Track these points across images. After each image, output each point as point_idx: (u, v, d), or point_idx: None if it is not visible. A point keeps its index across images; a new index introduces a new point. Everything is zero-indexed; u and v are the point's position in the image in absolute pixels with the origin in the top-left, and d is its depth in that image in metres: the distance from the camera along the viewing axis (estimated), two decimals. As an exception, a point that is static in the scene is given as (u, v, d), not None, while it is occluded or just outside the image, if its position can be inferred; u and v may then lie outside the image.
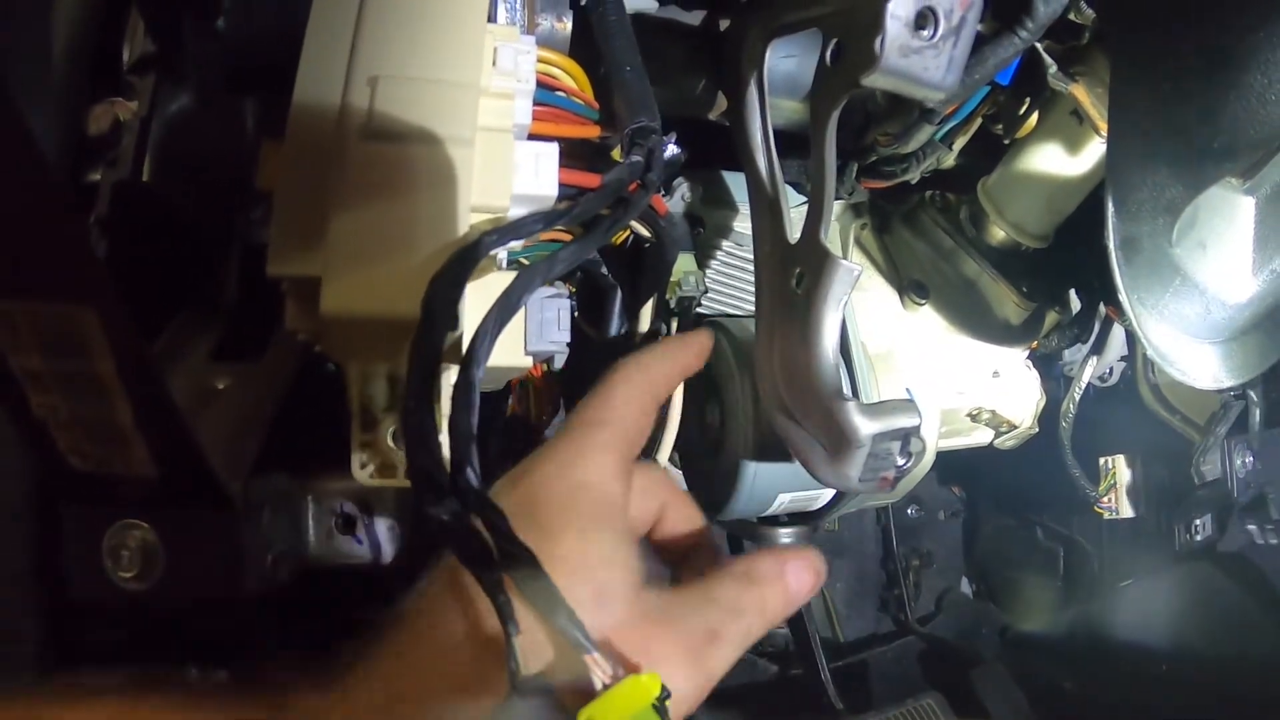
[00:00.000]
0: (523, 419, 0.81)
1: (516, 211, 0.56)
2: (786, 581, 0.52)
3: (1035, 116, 0.82)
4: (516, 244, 0.56)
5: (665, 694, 0.39)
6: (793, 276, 0.64)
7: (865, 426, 0.59)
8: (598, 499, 0.49)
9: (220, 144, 0.77)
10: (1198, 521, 1.12)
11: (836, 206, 0.93)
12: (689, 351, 0.62)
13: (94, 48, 0.75)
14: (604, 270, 0.77)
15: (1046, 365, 1.09)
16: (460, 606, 0.44)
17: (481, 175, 0.54)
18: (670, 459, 0.84)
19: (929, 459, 0.88)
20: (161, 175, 0.76)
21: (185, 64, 0.77)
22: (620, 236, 0.78)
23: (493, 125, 0.57)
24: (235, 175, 0.72)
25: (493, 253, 0.57)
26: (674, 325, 0.80)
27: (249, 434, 0.74)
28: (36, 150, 0.44)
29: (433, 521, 0.40)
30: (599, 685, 0.39)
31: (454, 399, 0.43)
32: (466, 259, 0.46)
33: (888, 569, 1.49)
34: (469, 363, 0.45)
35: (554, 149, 0.58)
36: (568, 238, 0.77)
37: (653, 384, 0.57)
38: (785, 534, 0.99)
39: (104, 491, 0.64)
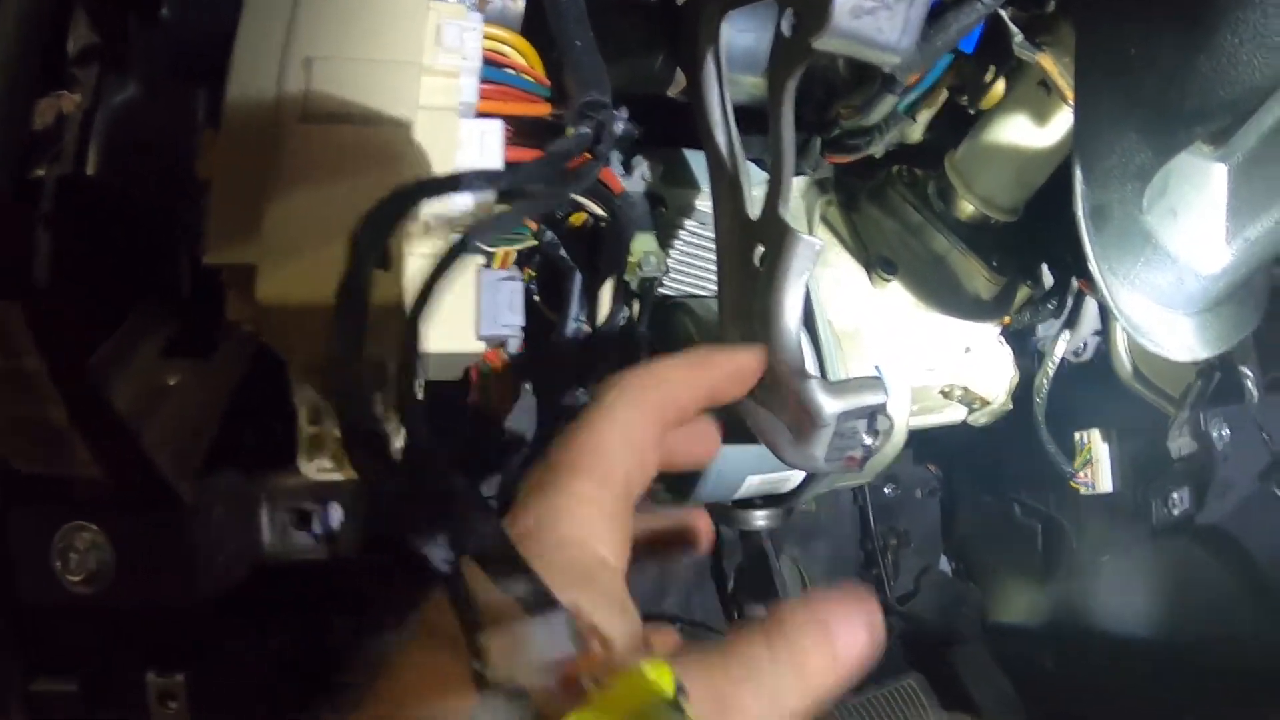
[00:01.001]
0: (481, 409, 0.79)
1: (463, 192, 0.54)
2: (831, 638, 0.37)
3: (1002, 87, 0.81)
4: (465, 208, 0.54)
5: (681, 691, 0.32)
6: (753, 253, 0.62)
7: (829, 405, 0.58)
8: (579, 562, 0.38)
9: (169, 134, 0.75)
10: (1175, 495, 1.12)
11: (801, 183, 0.92)
12: (716, 371, 0.51)
13: (42, 44, 0.73)
14: (563, 252, 0.75)
15: (1020, 341, 1.08)
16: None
17: (423, 154, 0.53)
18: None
19: (900, 438, 0.87)
20: (108, 167, 0.74)
21: (130, 54, 0.75)
22: (579, 218, 0.76)
23: (436, 104, 0.56)
24: (185, 166, 0.70)
25: (436, 222, 0.55)
26: (635, 307, 0.79)
27: (200, 431, 0.73)
28: None
29: (373, 487, 0.36)
30: (587, 684, 0.31)
31: (400, 360, 0.39)
32: (399, 199, 0.43)
33: (865, 549, 1.48)
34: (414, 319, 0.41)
35: (499, 125, 0.56)
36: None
37: (655, 412, 0.45)
38: (760, 516, 0.98)
39: (52, 493, 0.62)
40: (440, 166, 0.53)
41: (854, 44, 0.48)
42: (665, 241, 0.85)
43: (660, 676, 0.31)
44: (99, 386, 0.54)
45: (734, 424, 0.76)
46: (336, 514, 0.72)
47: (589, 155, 0.61)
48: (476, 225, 0.50)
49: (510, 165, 0.56)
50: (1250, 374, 0.98)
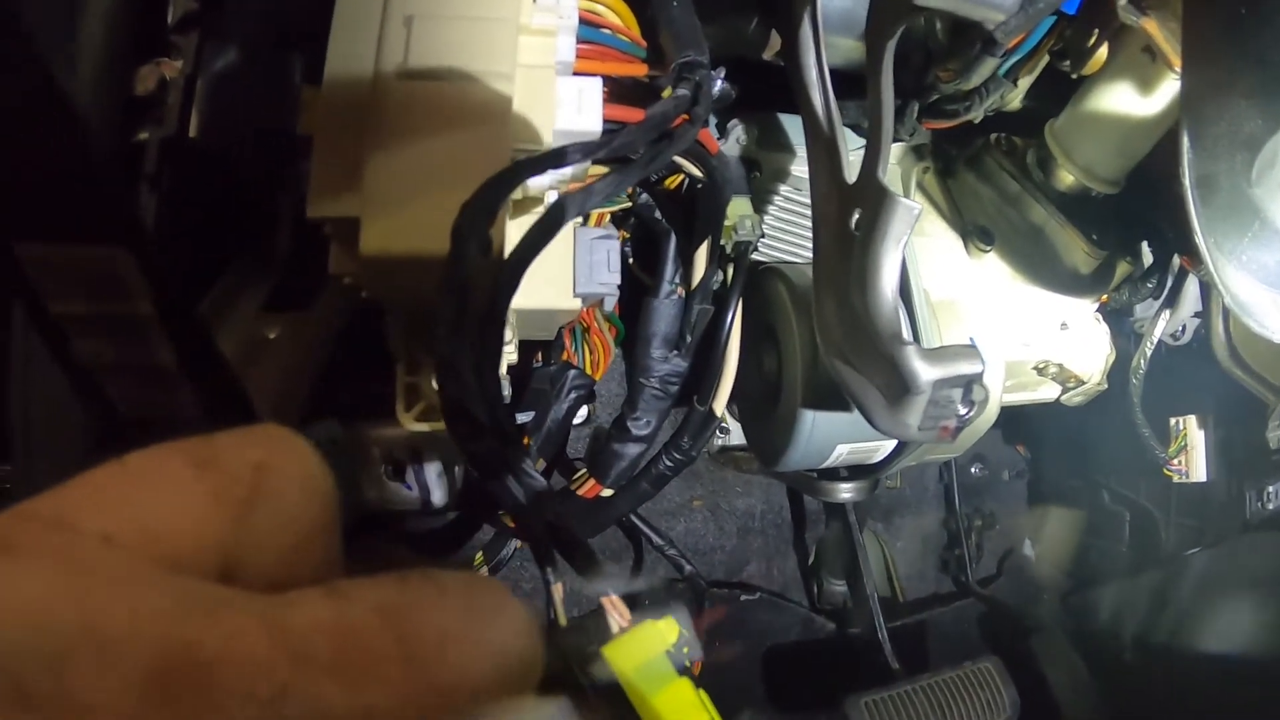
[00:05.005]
0: (578, 367, 0.80)
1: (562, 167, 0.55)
2: None
3: (1105, 52, 0.78)
4: (564, 173, 0.54)
5: (683, 641, 0.39)
6: (850, 217, 0.62)
7: (926, 372, 0.57)
8: None
9: (267, 97, 0.76)
10: (1271, 489, 1.08)
11: (897, 149, 0.90)
12: None
13: (136, 11, 0.75)
14: (658, 215, 0.75)
15: (1117, 321, 1.05)
16: None
17: (522, 111, 0.53)
18: (728, 409, 0.82)
19: (993, 411, 0.85)
20: (209, 131, 0.76)
21: (227, 19, 0.76)
22: (674, 181, 0.76)
23: (534, 62, 0.56)
24: (284, 127, 0.71)
25: (538, 190, 0.55)
26: (730, 271, 0.78)
27: (298, 382, 0.74)
28: (69, 102, 0.44)
29: (469, 455, 0.39)
30: (615, 628, 0.39)
31: (480, 335, 0.41)
32: (499, 186, 0.44)
33: (949, 528, 1.46)
34: (496, 295, 0.43)
35: (598, 83, 0.56)
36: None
37: None
38: (846, 489, 0.97)
39: (153, 439, 0.64)
40: (539, 124, 0.54)
41: (959, 0, 0.47)
42: (759, 207, 0.84)
43: (668, 629, 0.38)
44: (208, 332, 0.55)
45: (827, 390, 0.76)
46: (434, 467, 0.73)
47: (686, 117, 0.60)
48: (577, 195, 0.51)
49: (609, 131, 0.56)
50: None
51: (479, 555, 0.95)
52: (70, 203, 0.49)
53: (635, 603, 0.42)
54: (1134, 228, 0.93)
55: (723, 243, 0.77)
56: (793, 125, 0.84)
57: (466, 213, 0.42)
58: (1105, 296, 0.98)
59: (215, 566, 0.23)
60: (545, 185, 0.57)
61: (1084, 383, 0.98)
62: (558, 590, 0.41)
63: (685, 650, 0.39)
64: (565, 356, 0.80)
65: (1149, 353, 1.04)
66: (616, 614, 0.40)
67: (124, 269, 0.51)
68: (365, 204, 0.50)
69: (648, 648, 0.39)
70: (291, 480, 0.24)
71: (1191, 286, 1.02)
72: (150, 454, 0.24)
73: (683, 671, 0.39)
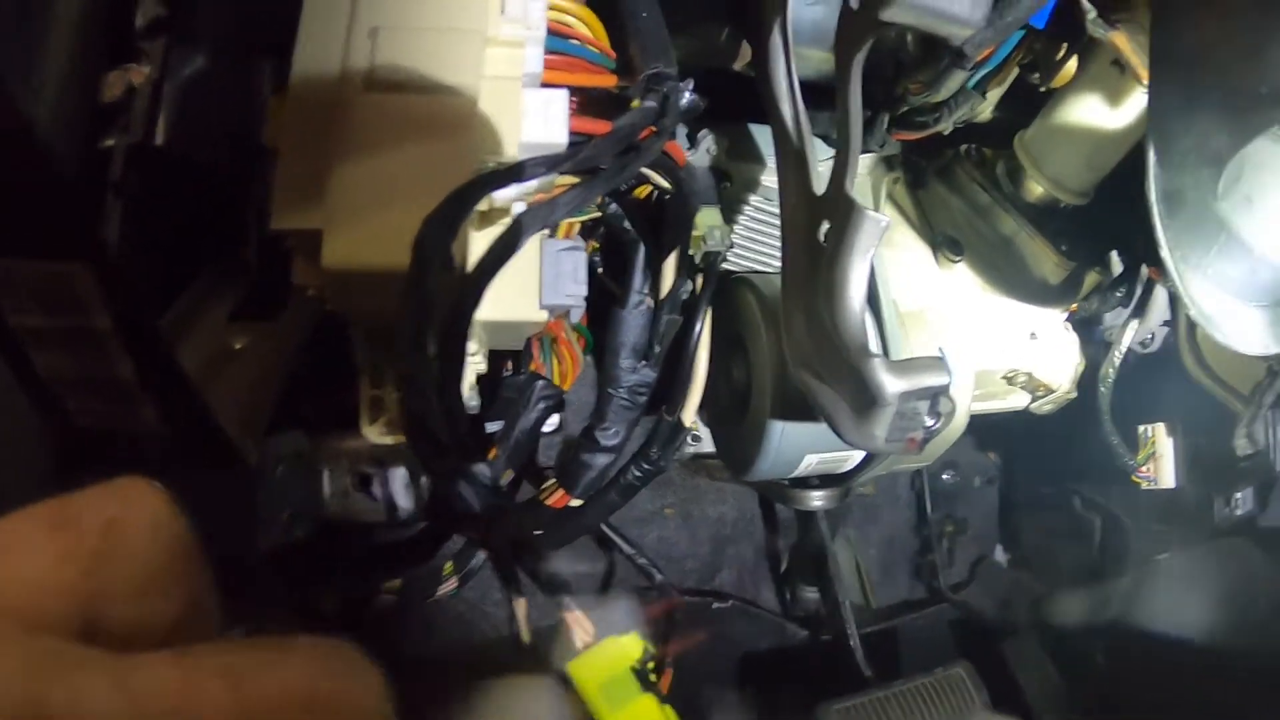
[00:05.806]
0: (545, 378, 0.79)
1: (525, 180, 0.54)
2: None
3: (1074, 65, 0.79)
4: (529, 185, 0.54)
5: (648, 658, 0.39)
6: (819, 229, 0.62)
7: (892, 384, 0.57)
8: None
9: (236, 104, 0.76)
10: (1238, 495, 1.09)
11: (867, 160, 0.91)
12: None
13: (104, 17, 0.74)
14: (626, 224, 0.75)
15: (1086, 329, 1.06)
16: None
17: (488, 123, 0.53)
18: (699, 417, 0.82)
19: (961, 422, 0.86)
20: (176, 138, 0.75)
21: (196, 25, 0.76)
22: (644, 190, 0.76)
23: (501, 73, 0.56)
24: (251, 135, 0.71)
25: (504, 202, 0.55)
26: (699, 281, 0.78)
27: (264, 393, 0.74)
28: (22, 116, 0.43)
29: (432, 474, 0.39)
30: (579, 644, 0.40)
31: (442, 350, 0.41)
32: (462, 199, 0.44)
33: (921, 535, 1.47)
34: (459, 310, 0.43)
35: (564, 95, 0.56)
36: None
37: None
38: (817, 497, 0.98)
39: (115, 453, 0.63)
40: (504, 136, 0.53)
41: (924, 16, 0.48)
42: (729, 217, 0.84)
43: (633, 646, 0.37)
44: (168, 346, 0.55)
45: (795, 400, 0.76)
46: (400, 478, 0.73)
47: (653, 129, 0.60)
48: (539, 210, 0.50)
49: (574, 144, 0.56)
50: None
51: (448, 565, 0.95)
52: (30, 218, 0.49)
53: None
54: (1103, 238, 0.94)
55: (692, 253, 0.76)
56: (763, 136, 0.84)
57: (428, 226, 0.42)
58: (1074, 306, 0.98)
59: (74, 623, 0.24)
60: (511, 197, 0.56)
61: (1053, 391, 0.99)
62: (520, 606, 0.41)
63: (650, 666, 0.39)
64: (533, 367, 0.80)
65: (1118, 361, 1.04)
66: (580, 630, 0.40)
67: (82, 284, 0.51)
68: (328, 217, 0.50)
69: (612, 664, 0.39)
70: (141, 531, 0.26)
71: (1160, 296, 1.03)
72: (9, 521, 0.25)
73: (648, 688, 0.39)
